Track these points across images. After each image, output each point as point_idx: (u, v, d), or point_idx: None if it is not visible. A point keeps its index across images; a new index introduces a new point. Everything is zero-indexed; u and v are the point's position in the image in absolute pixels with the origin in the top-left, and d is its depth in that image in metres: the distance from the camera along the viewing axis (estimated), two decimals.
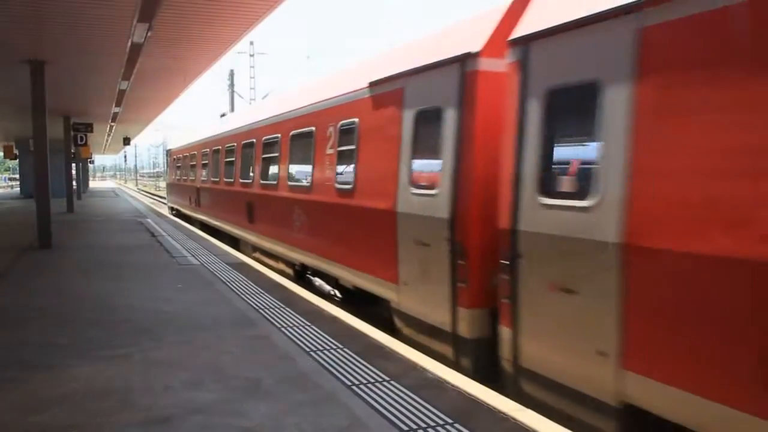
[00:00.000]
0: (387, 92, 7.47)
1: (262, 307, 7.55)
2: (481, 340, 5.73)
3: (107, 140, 41.10)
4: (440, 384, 4.84)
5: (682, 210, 3.70)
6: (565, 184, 4.87)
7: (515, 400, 4.78)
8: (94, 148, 46.62)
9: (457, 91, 6.05)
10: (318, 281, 9.62)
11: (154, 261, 11.38)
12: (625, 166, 4.08)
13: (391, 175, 7.12)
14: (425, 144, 6.67)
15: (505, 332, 5.26)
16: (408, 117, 6.89)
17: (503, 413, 4.24)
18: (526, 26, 5.20)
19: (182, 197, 23.15)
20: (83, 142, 24.88)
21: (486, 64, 5.83)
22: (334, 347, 5.86)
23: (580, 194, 4.50)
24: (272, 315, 7.17)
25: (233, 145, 14.98)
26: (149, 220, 21.11)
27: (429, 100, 6.58)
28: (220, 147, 16.54)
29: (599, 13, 4.39)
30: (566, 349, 4.60)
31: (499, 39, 5.66)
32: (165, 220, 20.99)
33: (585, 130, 4.68)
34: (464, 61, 5.98)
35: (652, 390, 3.90)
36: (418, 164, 6.80)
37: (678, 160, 3.77)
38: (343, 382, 4.87)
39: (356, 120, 8.17)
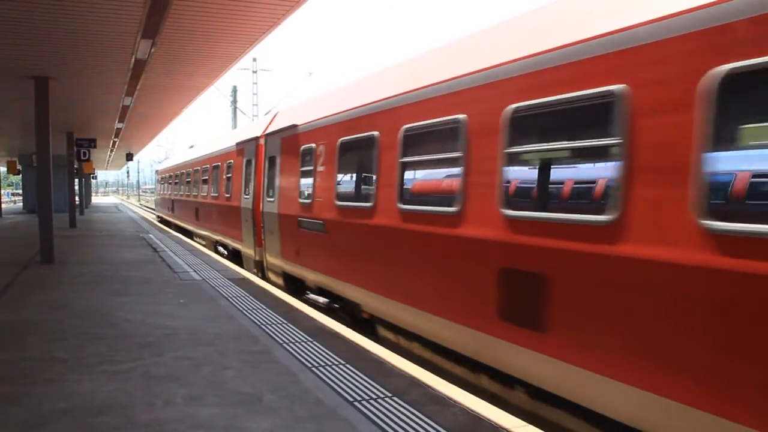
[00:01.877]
0: (240, 149, 15.00)
1: (264, 323, 7.54)
2: (262, 261, 12.75)
3: (110, 156, 41.24)
4: (443, 400, 4.81)
5: (287, 201, 10.65)
6: (269, 191, 11.86)
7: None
8: (97, 164, 46.83)
9: (254, 152, 13.43)
10: (221, 248, 17.25)
11: (156, 276, 11.38)
12: (276, 185, 11.38)
13: (239, 189, 14.71)
14: (248, 175, 13.95)
15: (263, 254, 12.51)
16: (245, 162, 14.35)
17: (506, 430, 4.21)
18: (268, 129, 12.51)
19: (164, 207, 32.26)
20: (86, 157, 24.98)
21: (262, 141, 12.96)
22: (336, 363, 5.83)
23: (273, 196, 11.59)
24: (274, 331, 7.15)
25: (190, 170, 22.88)
26: (151, 235, 21.12)
27: (249, 155, 14.01)
28: (184, 171, 24.45)
29: (274, 130, 11.79)
30: (273, 254, 11.63)
31: (270, 129, 12.50)
32: (167, 235, 20.99)
33: (273, 174, 11.70)
34: (256, 139, 13.39)
35: (291, 265, 10.63)
36: (247, 186, 13.97)
37: (285, 183, 10.95)
38: (345, 398, 4.84)
39: (232, 161, 15.77)
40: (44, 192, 14.05)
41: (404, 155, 6.79)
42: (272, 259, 11.81)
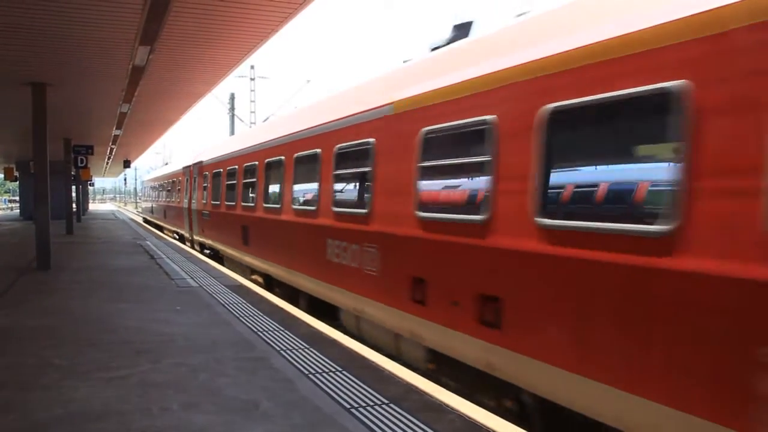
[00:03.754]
0: (183, 171, 22.93)
1: (261, 330, 7.53)
2: (192, 239, 21.16)
3: (107, 163, 41.21)
4: (440, 407, 4.81)
5: (200, 202, 19.09)
6: (194, 196, 20.36)
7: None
8: (95, 171, 46.77)
9: (188, 173, 21.80)
10: (176, 235, 25.51)
11: (153, 283, 11.37)
12: (187, 195, 21.88)
13: (183, 196, 22.84)
14: (186, 188, 22.17)
15: (192, 234, 21.12)
16: (185, 180, 22.48)
17: None
18: (195, 160, 20.91)
19: (147, 210, 40.65)
20: (83, 164, 24.94)
21: (192, 167, 21.13)
22: (333, 370, 5.83)
23: (195, 199, 20.21)
24: (271, 337, 7.14)
25: (161, 182, 30.72)
26: (148, 242, 21.10)
27: (186, 175, 22.22)
28: (158, 183, 32.69)
29: (196, 162, 20.59)
30: (195, 233, 20.21)
31: (194, 161, 20.99)
32: (164, 242, 21.00)
33: (194, 187, 20.39)
34: (189, 166, 21.81)
35: (201, 238, 19.11)
36: (186, 194, 22.12)
37: (199, 192, 19.33)
38: (342, 405, 4.84)
39: (181, 178, 23.25)
40: (41, 199, 14.03)
41: (227, 181, 14.87)
42: (195, 237, 20.04)
